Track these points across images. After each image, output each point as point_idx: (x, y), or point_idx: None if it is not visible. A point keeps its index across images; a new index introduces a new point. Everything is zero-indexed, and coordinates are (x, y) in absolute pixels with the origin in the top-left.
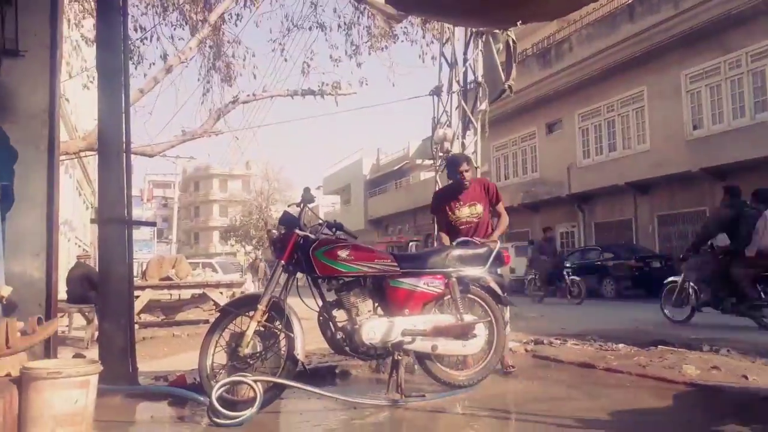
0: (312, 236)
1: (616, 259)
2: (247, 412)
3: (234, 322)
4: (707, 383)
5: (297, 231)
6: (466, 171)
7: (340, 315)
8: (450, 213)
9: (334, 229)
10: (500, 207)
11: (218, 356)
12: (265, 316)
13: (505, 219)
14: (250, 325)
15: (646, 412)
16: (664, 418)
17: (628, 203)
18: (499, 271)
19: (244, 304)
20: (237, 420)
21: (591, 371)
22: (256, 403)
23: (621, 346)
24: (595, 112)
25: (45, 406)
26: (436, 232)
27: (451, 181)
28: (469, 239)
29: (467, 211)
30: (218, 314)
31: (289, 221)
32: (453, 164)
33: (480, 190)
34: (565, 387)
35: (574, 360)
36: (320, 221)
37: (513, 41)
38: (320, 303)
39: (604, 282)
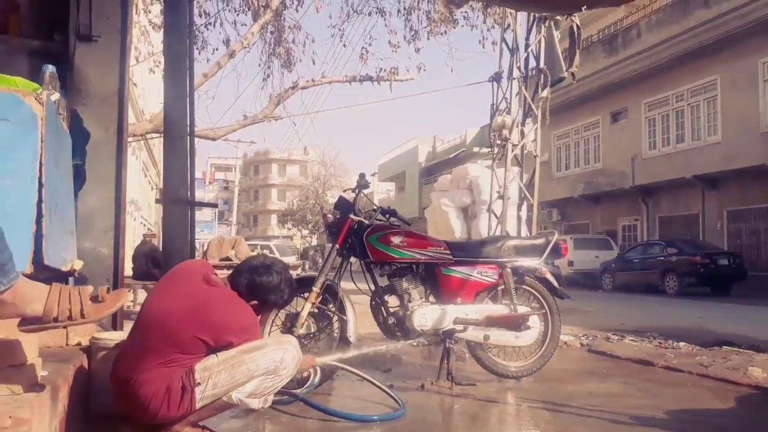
0: (366, 222)
1: (681, 255)
2: (300, 391)
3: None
4: None
5: (352, 216)
6: None
7: (392, 301)
8: None
9: (387, 216)
10: None
11: (273, 335)
12: (319, 298)
13: None
14: (304, 306)
15: (705, 413)
16: (725, 421)
17: (696, 197)
18: (556, 262)
19: (300, 285)
20: (286, 399)
21: (649, 369)
22: (308, 382)
23: (682, 344)
24: (663, 101)
25: None
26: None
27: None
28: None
29: None
30: None
31: (344, 206)
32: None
33: None
34: (621, 383)
35: (631, 356)
36: (374, 207)
37: (577, 27)
38: (373, 288)
39: (667, 278)
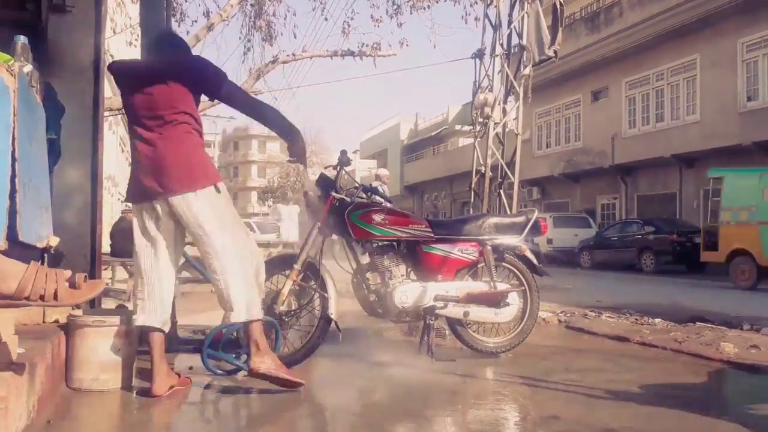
0: (348, 199)
1: (657, 233)
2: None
3: (270, 280)
4: (744, 362)
5: (333, 194)
6: None
7: (373, 278)
8: None
9: (369, 193)
10: None
11: None
12: (300, 276)
13: None
14: (285, 283)
15: (679, 387)
16: (697, 394)
17: (674, 176)
18: (535, 240)
19: (281, 263)
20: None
21: (625, 344)
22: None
23: (657, 320)
24: (644, 80)
25: (90, 352)
26: (472, 200)
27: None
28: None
29: None
30: None
31: (325, 184)
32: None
33: None
34: (597, 359)
35: (608, 332)
36: (356, 185)
37: (560, 4)
38: (354, 266)
39: (644, 256)
